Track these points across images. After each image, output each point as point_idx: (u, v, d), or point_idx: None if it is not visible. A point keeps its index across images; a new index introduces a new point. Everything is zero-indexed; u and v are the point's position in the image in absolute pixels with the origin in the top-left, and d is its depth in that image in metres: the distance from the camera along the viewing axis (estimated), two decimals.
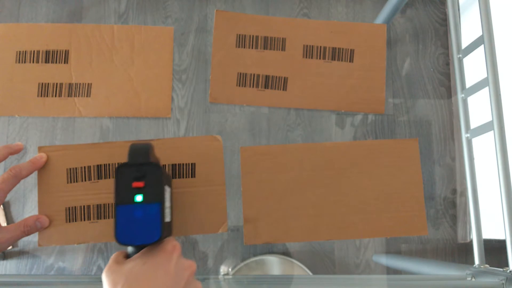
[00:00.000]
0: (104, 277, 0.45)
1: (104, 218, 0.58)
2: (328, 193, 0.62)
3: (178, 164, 0.59)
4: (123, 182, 0.47)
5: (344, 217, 0.62)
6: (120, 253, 0.49)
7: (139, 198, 0.46)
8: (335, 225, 0.61)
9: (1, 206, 1.13)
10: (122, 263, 0.46)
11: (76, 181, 0.58)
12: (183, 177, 0.59)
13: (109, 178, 0.58)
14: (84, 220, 0.58)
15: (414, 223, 0.62)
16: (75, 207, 0.58)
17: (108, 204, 0.58)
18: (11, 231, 0.54)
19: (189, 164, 0.59)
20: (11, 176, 0.53)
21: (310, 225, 0.60)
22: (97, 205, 0.58)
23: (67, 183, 0.58)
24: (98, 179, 0.58)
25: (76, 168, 0.58)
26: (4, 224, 1.13)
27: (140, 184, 0.46)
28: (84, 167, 0.58)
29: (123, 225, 0.46)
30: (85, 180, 0.58)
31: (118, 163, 0.49)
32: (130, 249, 0.48)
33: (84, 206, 0.58)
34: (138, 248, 0.47)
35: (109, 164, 0.58)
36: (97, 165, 0.59)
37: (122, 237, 0.46)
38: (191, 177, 0.59)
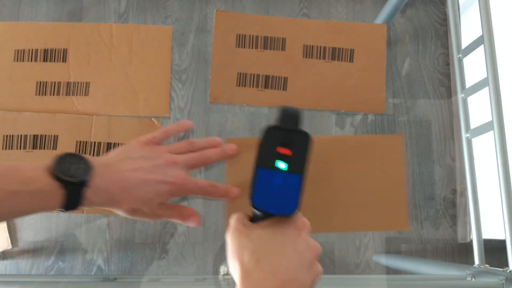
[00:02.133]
0: (230, 239, 0.44)
1: None
2: (309, 187, 0.62)
3: None
4: (268, 145, 0.45)
5: (325, 211, 0.62)
6: (244, 215, 0.47)
7: (282, 165, 0.44)
8: (316, 219, 0.61)
9: None
10: (250, 227, 0.45)
11: None
12: None
13: None
14: None
15: (396, 218, 0.62)
16: None
17: None
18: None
19: None
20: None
21: None
22: None
23: None
24: None
25: None
26: (3, 224, 1.13)
27: (287, 151, 0.44)
28: None
29: (261, 190, 0.44)
30: None
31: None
32: (256, 212, 0.46)
33: None
34: (267, 215, 0.45)
35: None
36: None
37: (258, 202, 0.44)
38: None
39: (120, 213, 0.51)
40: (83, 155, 0.47)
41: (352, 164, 0.63)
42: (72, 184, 0.44)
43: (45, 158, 0.57)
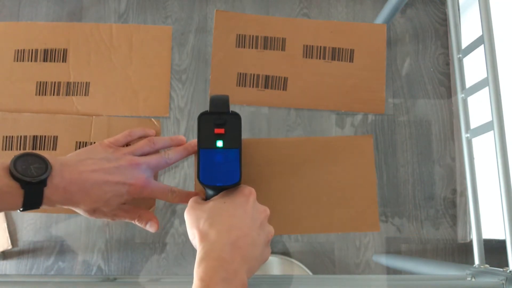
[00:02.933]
0: (187, 215, 0.49)
1: None
2: (280, 188, 0.62)
3: None
4: (205, 128, 0.51)
5: (295, 212, 0.62)
6: (198, 197, 0.52)
7: (219, 143, 0.50)
8: (286, 220, 0.61)
9: None
10: (203, 203, 0.49)
11: None
12: None
13: None
14: None
15: (366, 219, 0.62)
16: None
17: None
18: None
19: None
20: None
21: None
22: None
23: None
24: None
25: None
26: (3, 224, 1.13)
27: (221, 130, 0.51)
28: None
29: (205, 168, 0.50)
30: None
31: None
32: (208, 191, 0.52)
33: None
34: (216, 192, 0.50)
35: None
36: None
37: (204, 178, 0.49)
38: None
39: (81, 212, 0.52)
40: (42, 154, 0.47)
41: (322, 165, 0.63)
42: (30, 183, 0.45)
43: None
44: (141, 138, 0.59)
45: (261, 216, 0.49)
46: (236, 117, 0.52)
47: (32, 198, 0.45)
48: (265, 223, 0.49)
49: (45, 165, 0.46)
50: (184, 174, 1.13)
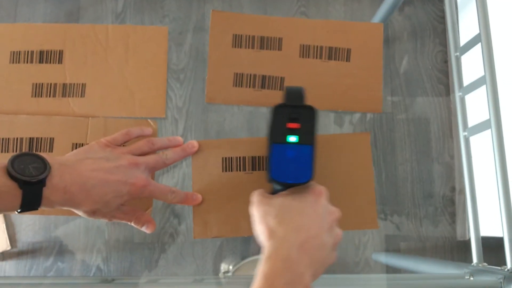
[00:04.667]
0: (255, 209, 0.47)
1: None
2: None
3: None
4: (278, 122, 0.48)
5: None
6: (264, 190, 0.50)
7: (293, 138, 0.48)
8: None
9: None
10: (271, 198, 0.47)
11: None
12: None
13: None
14: None
15: (364, 217, 0.62)
16: None
17: None
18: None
19: None
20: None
21: None
22: None
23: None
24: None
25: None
26: (2, 225, 1.13)
27: (295, 125, 0.48)
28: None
29: (277, 163, 0.47)
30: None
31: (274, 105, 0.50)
32: (276, 186, 0.49)
33: None
34: (286, 187, 0.48)
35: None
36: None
37: (276, 174, 0.47)
38: None
39: (80, 213, 0.51)
40: (40, 154, 0.46)
41: (319, 163, 0.63)
42: (29, 183, 0.43)
43: None
44: (138, 137, 0.59)
45: (332, 217, 0.47)
46: (312, 111, 0.49)
47: (31, 198, 0.44)
48: (333, 226, 0.47)
49: (44, 164, 0.45)
50: (183, 174, 1.13)
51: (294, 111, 0.48)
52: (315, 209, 0.45)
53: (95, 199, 0.48)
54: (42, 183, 0.44)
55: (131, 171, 0.51)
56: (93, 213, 0.51)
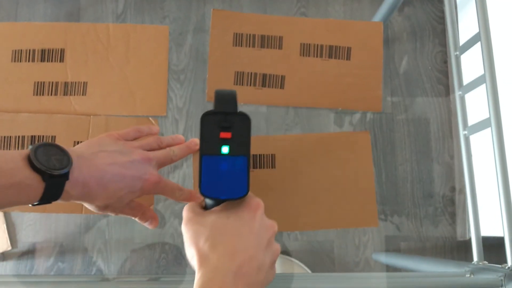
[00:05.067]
0: (185, 229, 0.43)
1: None
2: (278, 185, 0.62)
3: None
4: (208, 131, 0.43)
5: (294, 209, 0.62)
6: (195, 204, 0.46)
7: (225, 149, 0.43)
8: (285, 217, 0.62)
9: None
10: (203, 215, 0.44)
11: None
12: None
13: None
14: None
15: (365, 215, 0.63)
16: None
17: None
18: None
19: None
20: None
21: None
22: None
23: None
24: None
25: None
26: (3, 225, 1.13)
27: (227, 135, 0.43)
28: None
29: (208, 177, 0.43)
30: None
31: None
32: (208, 200, 0.45)
33: None
34: (219, 201, 0.44)
35: None
36: None
37: (207, 190, 0.43)
38: None
39: (92, 208, 0.49)
40: (61, 145, 0.44)
41: (319, 162, 0.63)
42: (54, 176, 0.41)
43: None
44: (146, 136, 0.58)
45: (268, 233, 0.43)
46: (245, 118, 0.44)
47: (53, 192, 0.42)
48: (272, 242, 0.44)
49: (66, 156, 0.42)
50: (183, 174, 1.13)
51: (225, 119, 0.43)
52: (251, 227, 0.42)
53: (110, 194, 0.47)
54: (66, 176, 0.42)
55: (144, 167, 0.49)
56: (104, 208, 0.49)
